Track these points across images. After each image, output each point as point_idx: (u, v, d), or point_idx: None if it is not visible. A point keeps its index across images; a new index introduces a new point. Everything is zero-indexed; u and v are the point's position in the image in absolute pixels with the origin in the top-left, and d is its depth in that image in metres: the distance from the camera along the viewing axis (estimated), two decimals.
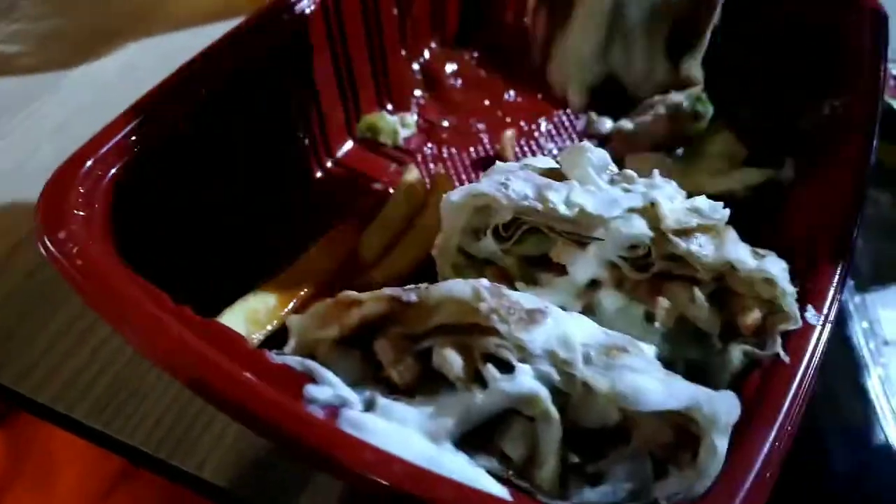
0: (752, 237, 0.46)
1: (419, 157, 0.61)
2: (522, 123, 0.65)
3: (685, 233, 0.35)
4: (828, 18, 0.57)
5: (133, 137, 0.41)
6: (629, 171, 0.39)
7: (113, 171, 0.39)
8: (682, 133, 0.58)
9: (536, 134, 0.64)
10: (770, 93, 0.63)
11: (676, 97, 0.57)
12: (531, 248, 0.38)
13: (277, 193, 0.55)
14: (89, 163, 0.38)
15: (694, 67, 0.50)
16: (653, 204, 0.36)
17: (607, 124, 0.64)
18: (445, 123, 0.64)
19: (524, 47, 0.70)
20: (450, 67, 0.67)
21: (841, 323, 0.53)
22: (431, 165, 0.61)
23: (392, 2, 0.60)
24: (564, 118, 0.66)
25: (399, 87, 0.64)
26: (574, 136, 0.64)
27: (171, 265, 0.40)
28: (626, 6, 0.45)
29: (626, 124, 0.59)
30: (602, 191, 0.37)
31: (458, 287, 0.31)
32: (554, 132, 0.64)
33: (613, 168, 0.40)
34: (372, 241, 0.50)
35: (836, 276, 0.37)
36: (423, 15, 0.65)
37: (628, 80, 0.46)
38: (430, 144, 0.62)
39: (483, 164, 0.61)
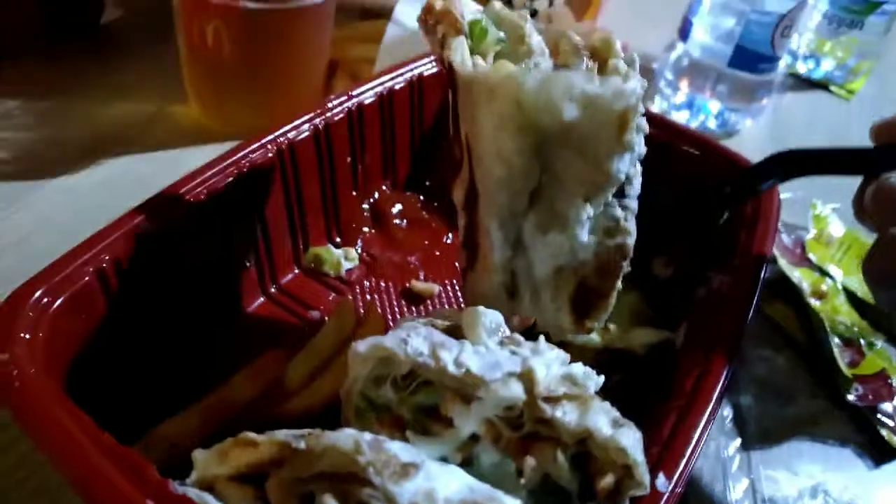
0: (651, 389, 0.52)
1: (357, 289, 0.67)
2: (456, 264, 0.71)
3: (553, 400, 0.40)
4: (719, 188, 0.65)
5: (86, 267, 0.46)
6: (517, 336, 0.45)
7: (60, 300, 0.44)
8: None
9: None
10: (678, 261, 0.70)
11: None
12: (424, 398, 0.43)
13: (220, 319, 0.60)
14: (39, 291, 0.43)
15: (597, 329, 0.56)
16: (530, 370, 0.41)
17: None
18: (387, 257, 0.70)
19: None
20: (396, 207, 0.74)
21: (719, 480, 0.58)
22: (368, 297, 0.66)
23: (346, 150, 0.68)
24: None
25: (348, 224, 0.71)
26: None
27: (108, 389, 0.45)
28: (532, 265, 0.49)
29: None
30: (490, 352, 0.43)
31: (342, 439, 0.36)
32: None
33: (505, 330, 0.46)
34: (298, 369, 0.55)
35: (691, 447, 0.42)
36: (376, 161, 0.72)
37: (540, 323, 0.52)
38: (370, 277, 0.68)
39: (413, 299, 0.67)
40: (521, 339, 0.45)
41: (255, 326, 0.61)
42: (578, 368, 0.44)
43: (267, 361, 0.55)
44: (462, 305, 0.67)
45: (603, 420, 0.41)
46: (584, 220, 0.47)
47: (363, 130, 0.68)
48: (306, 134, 0.63)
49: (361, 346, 0.43)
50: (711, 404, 0.45)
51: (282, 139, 0.61)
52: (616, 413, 0.42)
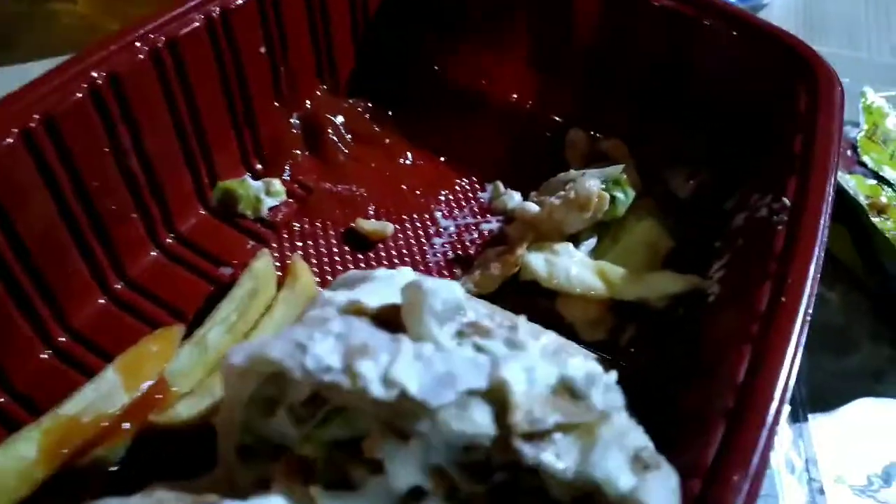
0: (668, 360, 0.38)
1: (285, 234, 0.51)
2: (418, 192, 0.55)
3: (539, 436, 0.25)
4: (776, 86, 0.48)
5: None
6: (485, 323, 0.30)
7: None
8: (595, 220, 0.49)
9: (433, 206, 0.54)
10: (708, 172, 0.54)
11: (592, 180, 0.48)
12: (339, 430, 0.28)
13: (86, 289, 0.45)
14: None
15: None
16: (502, 383, 0.26)
17: (515, 198, 0.54)
18: (325, 188, 0.54)
19: (430, 98, 0.61)
20: (337, 119, 0.57)
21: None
22: (299, 244, 0.50)
23: (257, 42, 0.50)
24: (468, 187, 0.56)
25: (271, 145, 0.54)
26: (476, 211, 0.54)
27: None
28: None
29: (530, 207, 0.50)
30: (442, 353, 0.28)
31: None
32: (454, 205, 0.55)
33: (467, 314, 0.30)
34: (188, 358, 0.40)
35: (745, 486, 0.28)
36: (304, 57, 0.54)
37: None
38: (302, 216, 0.52)
39: (360, 244, 0.51)
40: (491, 326, 0.29)
41: (143, 293, 0.46)
42: (578, 368, 0.29)
43: (146, 349, 0.40)
44: (425, 251, 0.51)
45: (617, 461, 0.26)
46: None
47: (280, 14, 0.50)
48: (196, 25, 0.45)
49: (236, 356, 0.28)
50: (775, 406, 0.30)
51: (155, 36, 0.43)
52: (639, 439, 0.28)
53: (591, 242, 0.50)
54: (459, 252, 0.52)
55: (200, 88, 0.47)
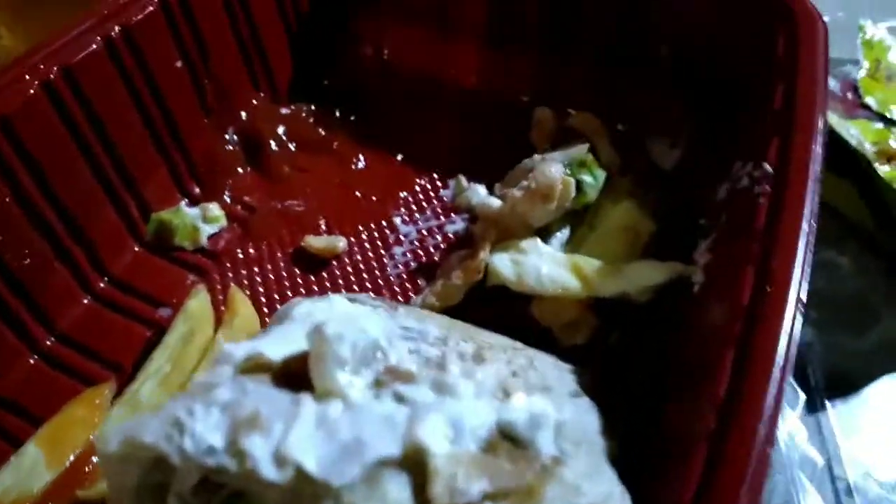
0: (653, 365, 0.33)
1: (228, 263, 0.46)
2: (374, 198, 0.50)
3: None
4: (752, 31, 0.43)
5: None
6: (406, 367, 0.25)
7: None
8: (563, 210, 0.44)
9: (392, 212, 0.49)
10: (692, 138, 0.48)
11: (553, 165, 0.43)
12: None
13: (22, 337, 0.41)
14: None
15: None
16: (418, 448, 0.22)
17: (480, 193, 0.49)
18: (270, 206, 0.49)
19: (380, 93, 0.56)
20: (279, 129, 0.52)
21: (781, 472, 0.38)
22: (243, 272, 0.46)
23: (172, 52, 0.45)
24: (429, 186, 0.51)
25: (206, 165, 0.49)
26: (439, 211, 0.49)
27: None
28: None
29: (492, 202, 0.45)
30: (352, 412, 0.23)
31: None
32: (415, 208, 0.50)
33: (388, 356, 0.26)
34: (119, 420, 0.36)
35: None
36: (231, 62, 0.49)
37: None
38: (246, 241, 0.48)
39: (311, 263, 0.46)
40: (412, 370, 0.25)
41: (75, 346, 0.42)
42: (520, 410, 0.24)
43: (71, 415, 0.36)
44: (384, 263, 0.47)
45: None
46: None
47: (195, 22, 0.46)
48: (93, 48, 0.41)
49: (112, 442, 0.23)
50: (764, 426, 0.25)
51: (46, 66, 0.39)
52: (597, 491, 0.23)
53: (564, 234, 0.45)
54: (423, 260, 0.47)
55: (110, 116, 0.42)
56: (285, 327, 0.29)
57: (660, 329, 0.39)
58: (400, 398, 0.24)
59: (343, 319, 0.27)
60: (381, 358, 0.25)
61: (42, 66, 0.39)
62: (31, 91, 0.38)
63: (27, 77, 0.38)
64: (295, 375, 0.25)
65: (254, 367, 0.26)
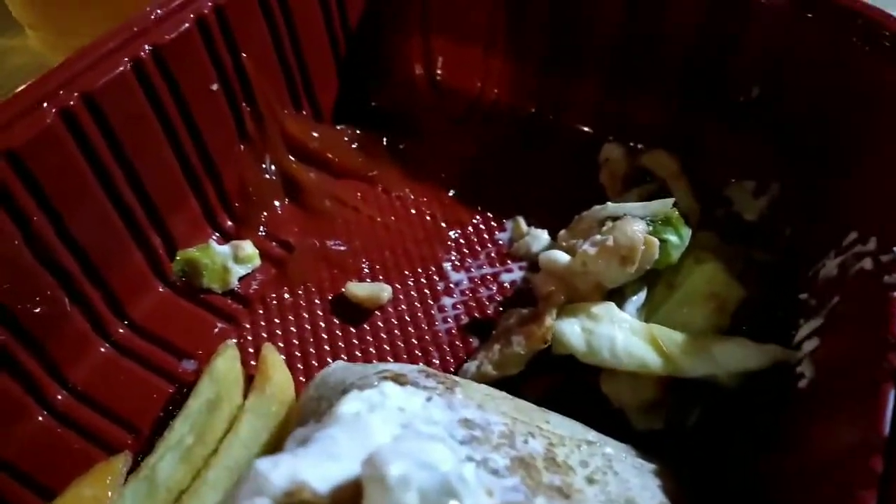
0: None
1: (260, 309, 0.42)
2: (420, 238, 0.45)
3: None
4: (856, 72, 0.37)
5: None
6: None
7: None
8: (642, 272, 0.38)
9: (441, 256, 0.44)
10: (781, 185, 0.43)
11: (635, 223, 0.37)
12: None
13: (31, 391, 0.37)
14: None
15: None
16: None
17: (541, 239, 0.44)
18: (308, 244, 0.44)
19: (433, 118, 0.50)
20: (320, 154, 0.47)
21: None
22: (277, 321, 0.41)
23: (208, 74, 0.40)
24: (483, 227, 0.46)
25: (240, 197, 0.45)
26: (494, 257, 0.44)
27: None
28: None
29: (558, 257, 0.39)
30: None
31: None
32: (467, 252, 0.45)
33: (462, 498, 0.21)
34: (133, 500, 0.32)
35: None
36: (273, 82, 0.45)
37: None
38: (281, 285, 0.43)
39: (353, 314, 0.42)
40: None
41: (89, 403, 0.38)
42: None
43: (78, 495, 0.32)
44: (433, 315, 0.42)
45: None
46: None
47: (233, 41, 0.41)
48: (120, 70, 0.36)
49: None
50: None
51: (67, 94, 0.34)
52: None
53: (640, 297, 0.39)
54: (476, 314, 0.42)
55: (135, 144, 0.38)
56: (330, 438, 0.24)
57: (751, 420, 0.34)
58: None
59: (404, 443, 0.22)
60: (455, 499, 0.21)
61: (62, 93, 0.34)
62: (48, 120, 0.34)
63: (45, 105, 0.34)
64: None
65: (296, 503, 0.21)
